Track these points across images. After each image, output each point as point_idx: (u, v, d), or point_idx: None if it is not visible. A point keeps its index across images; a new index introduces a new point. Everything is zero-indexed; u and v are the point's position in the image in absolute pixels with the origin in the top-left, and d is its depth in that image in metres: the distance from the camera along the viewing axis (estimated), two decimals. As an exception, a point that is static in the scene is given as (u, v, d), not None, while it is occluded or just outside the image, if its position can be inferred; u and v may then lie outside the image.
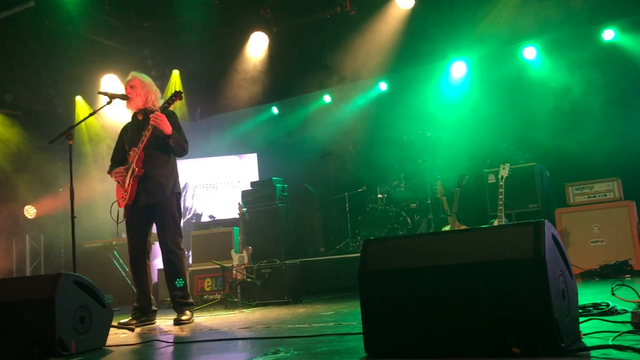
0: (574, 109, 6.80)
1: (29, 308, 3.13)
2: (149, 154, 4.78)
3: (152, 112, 4.89)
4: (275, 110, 9.50)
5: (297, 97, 9.21)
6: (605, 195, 6.10)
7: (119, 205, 4.88)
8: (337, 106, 8.91)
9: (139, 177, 4.74)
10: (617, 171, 6.25)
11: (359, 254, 2.45)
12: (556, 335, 2.02)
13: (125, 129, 5.13)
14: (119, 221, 4.86)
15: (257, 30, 8.28)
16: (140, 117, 4.99)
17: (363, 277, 2.38)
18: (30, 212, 9.19)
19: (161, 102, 5.02)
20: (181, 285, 4.80)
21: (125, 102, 4.97)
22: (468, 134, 7.30)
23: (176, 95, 4.71)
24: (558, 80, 7.01)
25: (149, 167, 4.77)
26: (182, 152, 4.88)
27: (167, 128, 4.67)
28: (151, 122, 4.64)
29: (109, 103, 4.91)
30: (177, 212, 4.87)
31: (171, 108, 4.87)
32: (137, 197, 4.76)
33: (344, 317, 4.07)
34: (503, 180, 5.85)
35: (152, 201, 4.76)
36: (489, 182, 6.56)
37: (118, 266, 8.07)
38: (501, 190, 5.79)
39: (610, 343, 2.08)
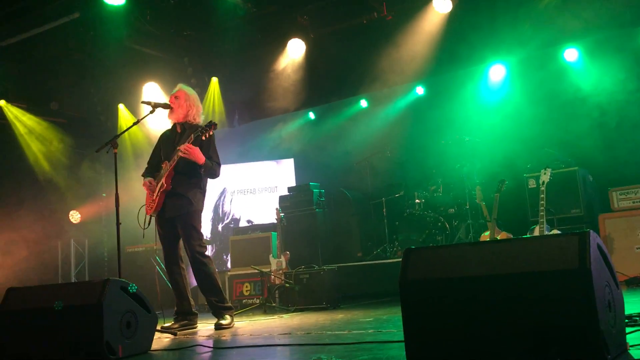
0: (618, 112, 6.64)
1: (78, 313, 3.24)
2: (180, 172, 4.85)
3: (192, 126, 4.95)
4: (312, 115, 9.56)
5: (334, 103, 9.23)
6: (651, 201, 5.93)
7: (146, 212, 5.01)
8: (374, 111, 8.90)
9: (166, 192, 4.86)
10: (662, 175, 6.08)
11: (396, 260, 2.47)
12: (602, 347, 1.99)
13: (163, 136, 5.23)
14: (145, 227, 4.95)
15: (294, 37, 8.34)
16: (179, 130, 5.07)
17: (404, 287, 2.39)
18: (74, 217, 9.46)
19: (202, 117, 5.10)
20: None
21: (167, 111, 5.07)
22: (508, 138, 7.19)
23: (210, 125, 4.70)
24: (600, 82, 6.85)
25: (177, 184, 4.86)
26: (213, 176, 4.97)
27: (199, 159, 4.72)
28: (180, 155, 4.68)
29: (151, 112, 5.00)
30: (199, 225, 4.95)
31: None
32: (162, 209, 4.90)
33: (383, 324, 4.07)
34: (544, 185, 5.72)
35: (176, 214, 4.87)
36: (529, 187, 6.45)
37: (159, 270, 8.22)
38: (542, 195, 5.67)
39: (659, 356, 2.04)
